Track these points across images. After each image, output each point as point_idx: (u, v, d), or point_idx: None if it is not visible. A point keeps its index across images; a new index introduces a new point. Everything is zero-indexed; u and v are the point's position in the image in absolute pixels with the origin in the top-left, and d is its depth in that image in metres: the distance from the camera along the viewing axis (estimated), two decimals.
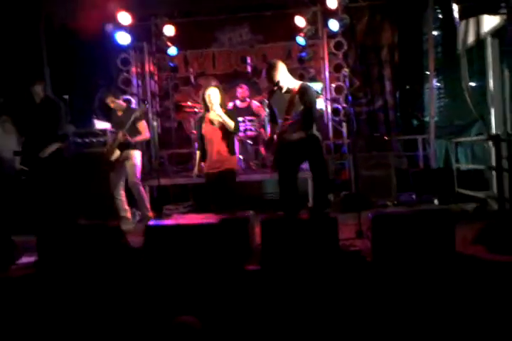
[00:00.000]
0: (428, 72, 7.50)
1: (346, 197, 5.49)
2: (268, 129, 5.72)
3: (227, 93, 7.58)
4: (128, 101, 6.92)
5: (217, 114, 4.43)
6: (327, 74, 7.51)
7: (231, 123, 4.43)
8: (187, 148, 7.44)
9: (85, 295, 3.17)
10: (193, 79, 8.08)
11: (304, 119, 4.07)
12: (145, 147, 6.88)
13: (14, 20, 7.01)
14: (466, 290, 3.01)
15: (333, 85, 7.22)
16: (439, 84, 7.47)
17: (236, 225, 3.61)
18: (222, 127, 4.46)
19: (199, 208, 5.98)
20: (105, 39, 7.03)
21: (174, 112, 8.01)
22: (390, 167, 5.70)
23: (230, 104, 6.99)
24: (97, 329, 3.01)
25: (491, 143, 5.08)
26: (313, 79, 7.75)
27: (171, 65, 7.89)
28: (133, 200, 5.32)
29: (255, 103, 7.08)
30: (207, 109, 4.54)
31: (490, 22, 4.91)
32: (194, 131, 5.94)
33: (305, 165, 4.48)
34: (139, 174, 5.26)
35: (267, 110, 5.20)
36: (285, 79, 4.17)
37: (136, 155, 5.24)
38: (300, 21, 7.20)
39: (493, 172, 5.09)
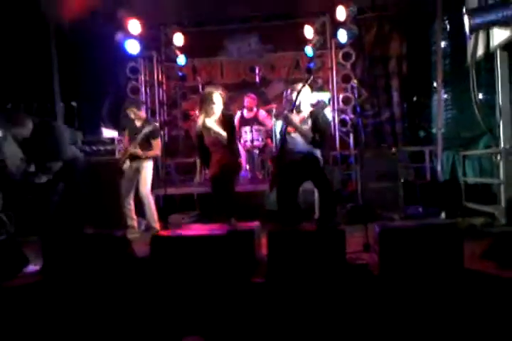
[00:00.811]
0: (436, 84, 7.50)
1: (352, 208, 5.46)
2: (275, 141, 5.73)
3: (235, 102, 7.63)
4: None
5: (208, 125, 4.25)
6: (335, 84, 7.53)
7: (223, 135, 4.22)
8: (194, 157, 7.45)
9: (90, 305, 3.15)
10: (201, 88, 8.12)
11: (314, 140, 4.11)
12: None
13: (25, 26, 7.08)
14: (475, 307, 2.97)
15: (341, 96, 7.23)
16: (446, 96, 7.45)
17: (242, 237, 3.59)
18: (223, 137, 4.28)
19: (205, 218, 5.97)
20: (115, 47, 7.05)
21: (182, 121, 8.04)
22: (397, 179, 5.68)
23: (238, 114, 7.02)
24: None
25: (499, 156, 5.06)
26: (321, 89, 7.78)
27: (180, 74, 7.94)
28: (140, 209, 5.33)
29: (262, 113, 7.09)
30: (206, 113, 4.35)
31: (500, 35, 4.90)
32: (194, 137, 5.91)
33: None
34: (150, 185, 5.26)
35: (274, 119, 5.20)
36: (304, 103, 4.24)
37: (148, 166, 5.24)
38: (309, 32, 7.23)
39: (502, 186, 5.05)
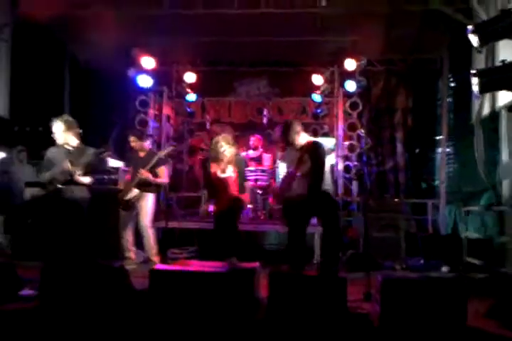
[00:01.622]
0: (439, 137, 7.65)
1: (353, 256, 5.41)
2: (279, 180, 5.76)
3: (240, 142, 7.71)
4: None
5: (221, 177, 4.56)
6: (341, 132, 7.64)
7: (233, 175, 4.56)
8: (196, 192, 7.45)
9: (85, 334, 3.06)
10: (208, 126, 8.24)
11: (312, 176, 4.10)
12: None
13: (41, 56, 7.23)
14: None
15: (346, 143, 7.31)
16: (449, 150, 7.57)
17: (243, 275, 3.54)
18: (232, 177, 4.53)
19: (203, 254, 5.88)
20: (126, 80, 7.16)
21: (187, 155, 8.09)
22: (400, 229, 5.71)
23: (243, 154, 7.07)
24: None
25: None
26: (327, 135, 7.89)
27: (189, 110, 8.06)
28: (140, 240, 5.26)
29: (266, 155, 7.18)
30: (216, 157, 4.59)
31: (505, 96, 5.05)
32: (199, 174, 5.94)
33: (313, 220, 4.47)
34: (151, 217, 5.22)
35: (278, 161, 5.27)
36: (299, 138, 4.27)
37: (151, 198, 5.22)
38: (317, 79, 7.39)
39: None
